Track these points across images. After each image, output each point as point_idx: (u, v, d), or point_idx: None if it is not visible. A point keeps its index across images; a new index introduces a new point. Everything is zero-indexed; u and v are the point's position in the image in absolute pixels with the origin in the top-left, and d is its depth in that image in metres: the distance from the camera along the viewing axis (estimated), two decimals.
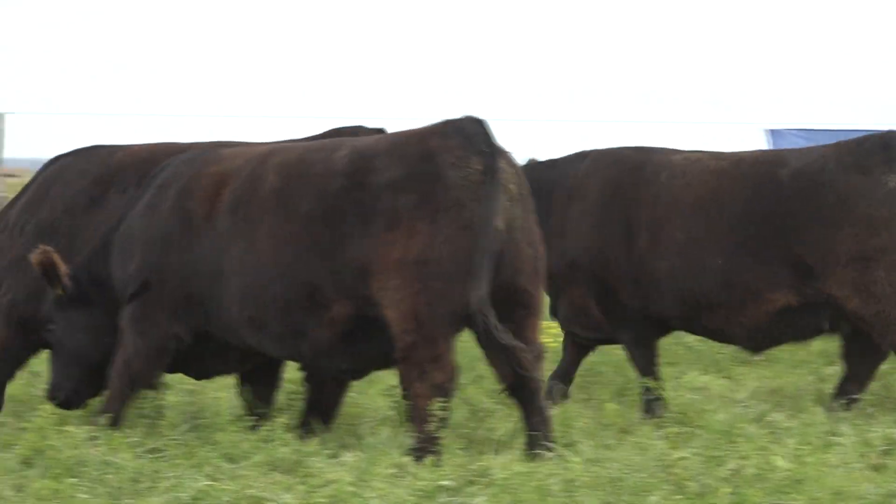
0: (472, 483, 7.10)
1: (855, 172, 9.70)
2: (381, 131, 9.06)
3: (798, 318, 9.75)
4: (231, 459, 7.62)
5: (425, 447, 7.72)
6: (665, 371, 10.03)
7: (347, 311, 7.94)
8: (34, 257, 8.53)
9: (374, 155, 7.98)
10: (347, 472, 7.18)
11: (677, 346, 11.55)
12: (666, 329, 10.14)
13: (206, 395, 9.51)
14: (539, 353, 7.98)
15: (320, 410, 8.61)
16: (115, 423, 8.31)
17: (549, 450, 7.84)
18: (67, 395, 8.69)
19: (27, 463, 7.41)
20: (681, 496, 6.81)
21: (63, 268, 8.57)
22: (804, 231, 9.68)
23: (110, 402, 8.47)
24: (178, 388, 9.46)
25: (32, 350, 9.46)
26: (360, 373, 8.51)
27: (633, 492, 6.91)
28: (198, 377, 9.07)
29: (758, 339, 9.93)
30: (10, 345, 9.40)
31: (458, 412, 8.48)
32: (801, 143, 16.43)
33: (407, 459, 7.53)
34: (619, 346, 10.25)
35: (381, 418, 8.84)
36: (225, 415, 8.29)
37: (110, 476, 7.20)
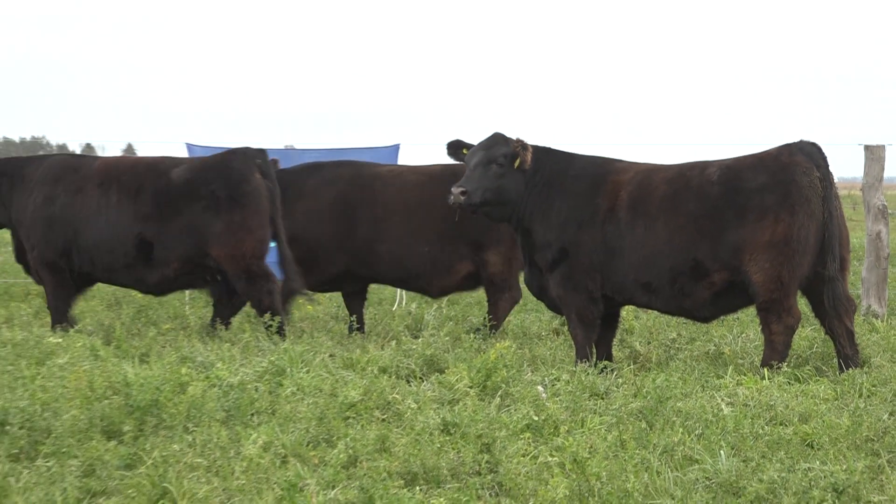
0: None
1: None
2: (262, 152, 13.68)
3: None
4: None
5: (780, 367, 11.19)
6: None
7: (723, 277, 11.49)
8: (514, 145, 12.19)
9: (741, 169, 11.53)
10: None
11: None
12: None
13: None
14: (853, 304, 11.44)
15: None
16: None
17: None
18: (475, 201, 12.11)
19: None
20: None
21: (528, 156, 12.11)
22: None
23: (580, 350, 11.92)
24: None
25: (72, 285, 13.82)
26: (712, 318, 11.93)
27: None
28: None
29: None
30: (57, 285, 13.65)
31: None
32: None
33: None
34: None
35: None
36: None
37: None
